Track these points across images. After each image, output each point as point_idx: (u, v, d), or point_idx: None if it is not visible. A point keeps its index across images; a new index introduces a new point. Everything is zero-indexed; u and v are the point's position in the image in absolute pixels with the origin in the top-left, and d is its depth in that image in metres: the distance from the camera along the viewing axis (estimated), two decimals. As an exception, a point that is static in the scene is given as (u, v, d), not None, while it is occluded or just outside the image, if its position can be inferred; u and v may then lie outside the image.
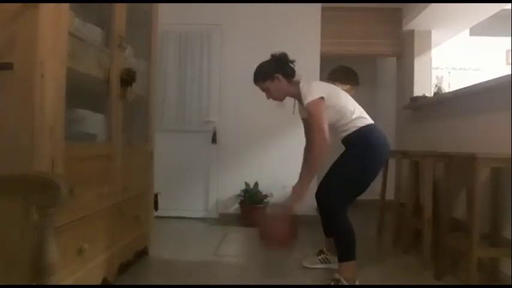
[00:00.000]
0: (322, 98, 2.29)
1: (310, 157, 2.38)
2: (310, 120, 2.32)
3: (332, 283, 2.23)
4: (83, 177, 1.78)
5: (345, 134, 2.38)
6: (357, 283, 2.25)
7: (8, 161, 1.40)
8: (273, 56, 2.46)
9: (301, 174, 2.48)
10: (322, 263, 2.63)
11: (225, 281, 2.38)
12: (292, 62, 2.47)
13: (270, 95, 2.47)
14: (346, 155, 2.37)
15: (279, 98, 2.48)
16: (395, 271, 2.59)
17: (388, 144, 2.39)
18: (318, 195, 2.37)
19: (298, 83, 2.42)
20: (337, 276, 2.24)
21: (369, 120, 2.38)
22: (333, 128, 2.38)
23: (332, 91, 2.40)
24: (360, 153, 2.30)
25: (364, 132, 2.33)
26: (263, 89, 2.47)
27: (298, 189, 2.33)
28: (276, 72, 2.41)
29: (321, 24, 4.19)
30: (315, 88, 2.34)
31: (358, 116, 2.35)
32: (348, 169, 2.30)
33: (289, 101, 2.62)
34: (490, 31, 4.90)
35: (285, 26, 4.12)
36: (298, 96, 2.41)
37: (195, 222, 3.98)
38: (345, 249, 2.26)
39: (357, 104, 2.43)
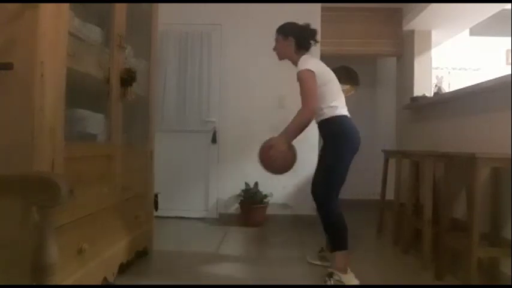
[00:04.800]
0: (312, 71, 2.39)
1: (294, 118, 2.41)
2: (300, 88, 2.41)
3: (326, 278, 2.28)
4: (83, 177, 1.78)
5: (320, 118, 2.47)
6: (349, 272, 2.31)
7: (8, 161, 1.40)
8: (304, 24, 2.63)
9: (295, 127, 2.43)
10: (320, 260, 2.65)
11: (225, 281, 2.38)
12: (314, 40, 2.62)
13: (275, 47, 2.66)
14: (325, 150, 2.47)
15: (279, 55, 2.65)
16: (395, 271, 2.59)
17: (359, 136, 2.47)
18: (311, 191, 2.47)
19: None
20: (330, 270, 2.32)
21: (344, 112, 2.48)
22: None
23: (325, 72, 2.49)
24: (335, 145, 2.41)
25: (336, 123, 2.43)
26: (275, 39, 2.65)
27: (277, 138, 2.44)
28: (291, 35, 2.56)
29: (321, 24, 4.18)
30: (309, 62, 2.45)
31: (336, 105, 2.44)
32: (328, 163, 2.41)
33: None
34: (490, 31, 4.90)
35: (285, 26, 4.11)
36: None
37: (195, 222, 3.98)
38: (336, 240, 2.36)
39: (341, 95, 2.53)
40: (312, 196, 2.46)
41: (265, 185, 3.96)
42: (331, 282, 2.25)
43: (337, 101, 2.46)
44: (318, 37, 4.16)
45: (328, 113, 2.43)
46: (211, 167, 4.14)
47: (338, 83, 2.57)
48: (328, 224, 2.40)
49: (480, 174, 2.12)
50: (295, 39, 2.56)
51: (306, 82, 2.38)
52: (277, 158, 2.39)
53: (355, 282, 2.28)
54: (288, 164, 2.45)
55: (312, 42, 2.61)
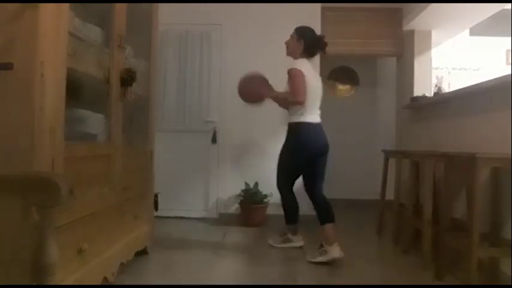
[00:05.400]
0: (303, 73, 2.77)
1: (289, 97, 2.85)
2: (290, 83, 2.81)
3: (283, 238, 3.10)
4: (83, 177, 1.78)
5: (290, 120, 2.90)
6: (298, 235, 3.07)
7: (8, 161, 1.40)
8: (320, 35, 3.04)
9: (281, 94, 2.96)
10: (321, 255, 2.69)
11: (225, 281, 2.38)
12: (322, 50, 2.96)
13: (287, 41, 3.00)
14: (284, 147, 2.98)
15: (287, 49, 3.00)
16: (396, 271, 2.59)
17: (320, 144, 2.85)
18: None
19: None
20: (287, 235, 3.10)
21: (313, 120, 2.84)
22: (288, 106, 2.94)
23: (313, 80, 2.85)
24: (290, 147, 2.90)
25: (302, 129, 2.83)
26: (291, 36, 3.00)
27: (272, 94, 2.97)
28: (304, 39, 2.91)
29: (321, 24, 4.19)
30: (303, 66, 2.82)
31: (309, 112, 2.82)
32: (283, 159, 2.99)
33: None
34: (490, 31, 4.90)
35: (285, 26, 4.10)
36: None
37: (195, 222, 3.98)
38: (289, 215, 3.07)
39: (318, 103, 2.90)
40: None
41: (265, 185, 3.96)
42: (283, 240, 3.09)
43: (311, 108, 2.84)
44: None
45: (299, 118, 2.82)
46: (211, 167, 4.14)
47: (321, 92, 2.94)
48: (283, 204, 3.06)
49: (480, 174, 2.12)
50: (306, 43, 2.90)
51: (297, 79, 2.77)
52: (256, 93, 2.95)
53: (302, 243, 3.06)
54: (254, 101, 3.01)
55: (319, 51, 2.96)
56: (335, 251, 2.66)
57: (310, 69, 2.87)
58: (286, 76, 2.83)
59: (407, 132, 4.27)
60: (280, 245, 3.08)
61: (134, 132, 2.55)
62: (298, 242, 3.09)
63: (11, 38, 1.43)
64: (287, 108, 2.95)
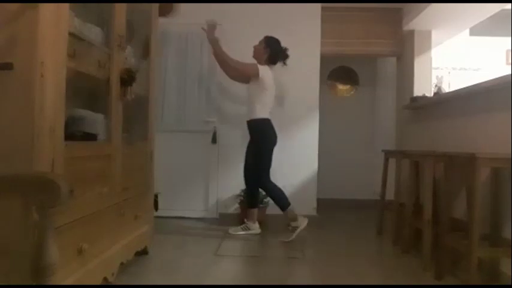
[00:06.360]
0: (259, 76, 3.35)
1: (231, 59, 3.50)
2: (246, 64, 3.45)
3: (289, 227, 3.37)
4: (83, 177, 1.78)
5: (252, 117, 3.44)
6: (301, 219, 3.32)
7: (8, 161, 1.40)
8: (284, 47, 3.50)
9: (225, 54, 3.53)
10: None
11: (225, 281, 2.38)
12: (283, 61, 3.50)
13: (255, 46, 3.50)
14: (252, 146, 3.52)
15: (254, 53, 3.51)
16: (396, 271, 2.59)
17: (276, 134, 3.46)
18: (246, 177, 3.60)
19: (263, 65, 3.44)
20: (288, 221, 3.40)
21: (269, 116, 3.44)
22: (248, 97, 3.55)
23: (273, 85, 3.42)
24: (258, 143, 3.45)
25: (264, 124, 3.41)
26: (259, 42, 3.50)
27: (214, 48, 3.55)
28: (269, 47, 3.45)
29: (321, 24, 4.19)
30: (266, 72, 3.38)
31: (268, 110, 3.42)
32: (256, 156, 3.47)
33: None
34: (490, 31, 4.90)
35: (285, 26, 4.11)
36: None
37: (195, 222, 3.98)
38: (282, 201, 3.40)
39: (270, 106, 3.47)
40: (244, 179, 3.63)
41: (265, 185, 3.95)
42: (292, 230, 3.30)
43: (269, 108, 3.44)
44: (318, 37, 4.24)
45: (259, 114, 3.38)
46: (211, 167, 4.14)
47: (273, 97, 3.49)
48: (271, 195, 3.47)
49: (480, 174, 2.12)
50: (271, 52, 3.43)
51: (251, 66, 3.39)
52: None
53: (305, 222, 3.31)
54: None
55: (280, 61, 3.48)
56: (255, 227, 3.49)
57: (270, 76, 3.37)
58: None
59: (407, 132, 4.27)
60: (290, 239, 3.22)
61: (134, 132, 2.55)
62: (302, 223, 3.30)
63: (11, 38, 1.43)
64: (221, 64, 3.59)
